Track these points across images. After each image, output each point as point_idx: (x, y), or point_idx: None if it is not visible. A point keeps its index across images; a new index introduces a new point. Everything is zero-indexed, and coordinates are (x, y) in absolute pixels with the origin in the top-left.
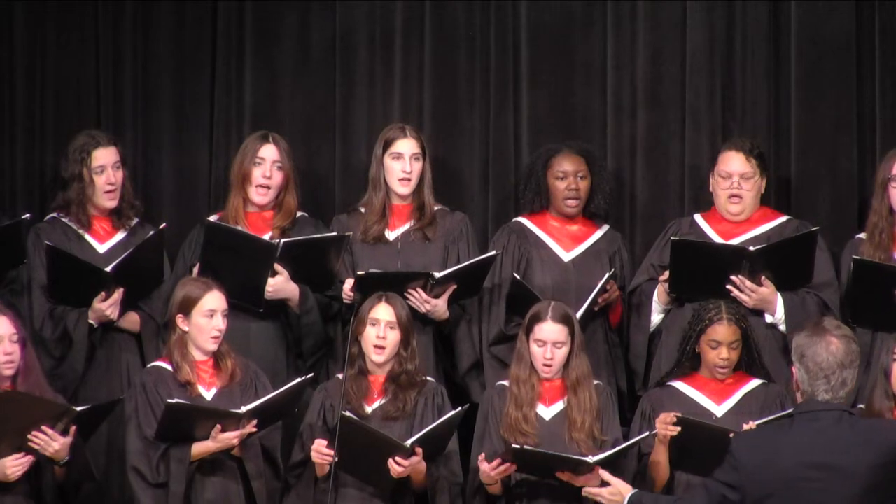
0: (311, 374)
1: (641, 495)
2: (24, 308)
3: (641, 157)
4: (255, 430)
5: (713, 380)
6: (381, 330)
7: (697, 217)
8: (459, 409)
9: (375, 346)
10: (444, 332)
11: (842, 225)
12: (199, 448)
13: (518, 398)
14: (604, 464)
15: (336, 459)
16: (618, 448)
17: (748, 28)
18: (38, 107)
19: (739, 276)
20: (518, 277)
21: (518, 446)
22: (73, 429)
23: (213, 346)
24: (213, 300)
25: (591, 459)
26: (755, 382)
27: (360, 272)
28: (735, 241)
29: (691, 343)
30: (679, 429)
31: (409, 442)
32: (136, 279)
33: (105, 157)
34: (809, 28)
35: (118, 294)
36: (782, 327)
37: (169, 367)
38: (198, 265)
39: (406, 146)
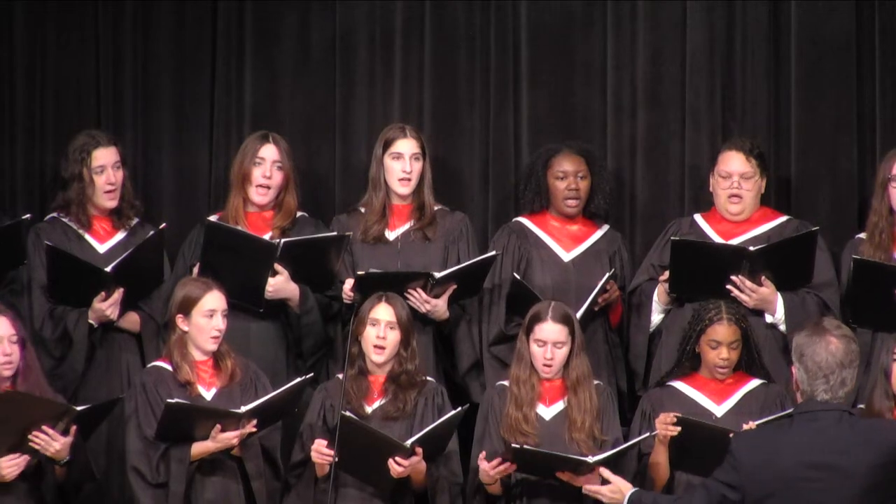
0: (311, 374)
1: (641, 494)
2: (24, 308)
3: (641, 157)
4: (254, 429)
5: (713, 380)
6: (381, 330)
7: (697, 217)
8: (459, 409)
9: (375, 347)
10: (444, 332)
11: (842, 225)
12: (199, 448)
13: (518, 398)
14: (604, 463)
15: (336, 459)
16: (618, 448)
17: (748, 28)
18: (38, 107)
19: (739, 276)
20: (518, 277)
21: (518, 446)
22: (73, 428)
23: (212, 346)
24: (213, 300)
25: (591, 459)
26: (755, 382)
27: (360, 272)
28: (735, 241)
29: (691, 343)
30: (679, 429)
31: (409, 442)
32: (136, 279)
33: (105, 157)
34: (809, 28)
35: (118, 294)
36: (782, 327)
37: (169, 367)
38: (198, 265)
39: (406, 146)
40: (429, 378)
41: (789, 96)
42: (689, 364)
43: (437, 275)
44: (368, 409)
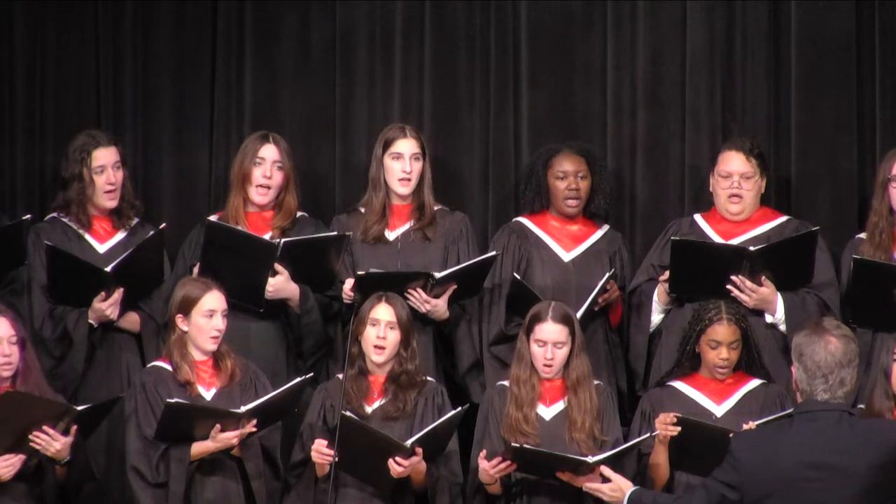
0: (311, 374)
1: (642, 492)
2: (24, 308)
3: (641, 157)
4: (254, 429)
5: (713, 380)
6: (381, 330)
7: (697, 217)
8: (459, 409)
9: (375, 347)
10: (444, 332)
11: (842, 225)
12: (199, 448)
13: (518, 398)
14: (604, 463)
15: (336, 459)
16: (617, 449)
17: (748, 28)
18: (38, 107)
19: (739, 276)
20: (518, 277)
21: (518, 445)
22: (74, 428)
23: (212, 347)
24: (213, 300)
25: (590, 460)
26: (755, 382)
27: (360, 272)
28: (735, 241)
29: (691, 343)
30: (679, 429)
31: (409, 442)
32: (136, 279)
33: (105, 157)
34: (809, 28)
35: (118, 294)
36: (782, 327)
37: (169, 367)
38: (198, 265)
39: (406, 146)
40: (429, 378)
41: (789, 96)
42: (689, 364)
43: (438, 275)
44: (368, 409)
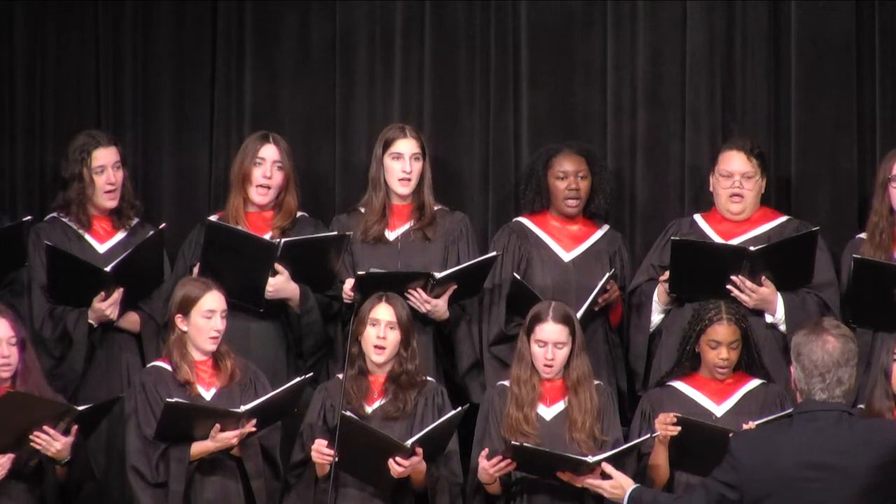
0: (311, 374)
1: (642, 490)
2: (24, 308)
3: (641, 157)
4: (254, 429)
5: (713, 380)
6: (381, 330)
7: (697, 217)
8: (459, 409)
9: (375, 347)
10: (444, 332)
11: (842, 225)
12: (199, 448)
13: (519, 398)
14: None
15: (336, 459)
16: (617, 449)
17: (748, 28)
18: (38, 107)
19: (739, 276)
20: (518, 277)
21: (518, 444)
22: (74, 428)
23: (211, 347)
24: (213, 300)
25: (591, 459)
26: (755, 382)
27: (360, 272)
28: (735, 241)
29: (691, 343)
30: (679, 429)
31: (409, 442)
32: (136, 279)
33: (105, 157)
34: (809, 28)
35: (118, 294)
36: (782, 327)
37: (168, 367)
38: (198, 265)
39: (406, 146)
40: (429, 378)
41: (789, 96)
42: (689, 364)
43: (438, 275)
44: (368, 409)
